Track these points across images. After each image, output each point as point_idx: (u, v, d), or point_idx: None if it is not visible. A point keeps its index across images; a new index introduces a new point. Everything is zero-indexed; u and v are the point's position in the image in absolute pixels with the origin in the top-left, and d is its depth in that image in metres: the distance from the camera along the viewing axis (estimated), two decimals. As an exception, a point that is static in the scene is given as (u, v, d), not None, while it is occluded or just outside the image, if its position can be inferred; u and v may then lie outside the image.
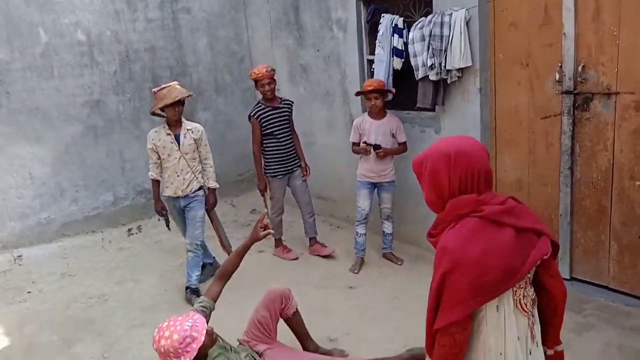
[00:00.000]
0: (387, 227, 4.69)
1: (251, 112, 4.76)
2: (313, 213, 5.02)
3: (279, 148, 4.78)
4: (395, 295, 4.12)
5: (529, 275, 1.74)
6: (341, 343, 3.54)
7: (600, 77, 3.54)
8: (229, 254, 4.22)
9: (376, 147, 4.37)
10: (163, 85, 4.13)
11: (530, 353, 1.77)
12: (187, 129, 4.21)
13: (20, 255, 5.29)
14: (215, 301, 2.83)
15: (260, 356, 2.97)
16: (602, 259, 3.80)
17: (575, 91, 3.66)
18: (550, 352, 1.92)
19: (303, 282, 4.42)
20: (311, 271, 4.70)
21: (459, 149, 1.72)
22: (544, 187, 3.98)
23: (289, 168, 4.86)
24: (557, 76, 3.73)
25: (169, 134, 4.16)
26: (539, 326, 1.83)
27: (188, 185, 4.26)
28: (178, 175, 4.22)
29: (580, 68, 3.60)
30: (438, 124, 4.46)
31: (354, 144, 4.59)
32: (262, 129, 4.72)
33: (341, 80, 5.32)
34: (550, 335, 1.90)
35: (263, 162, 4.85)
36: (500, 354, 1.71)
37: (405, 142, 4.53)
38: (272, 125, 4.72)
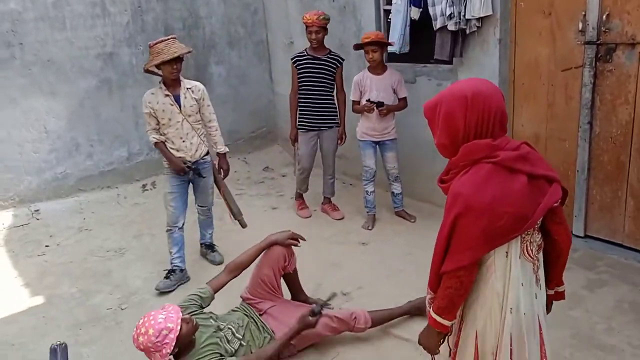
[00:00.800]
0: (396, 188, 4.65)
1: (292, 57, 4.72)
2: (334, 176, 4.97)
3: (310, 102, 4.67)
4: (408, 251, 4.12)
5: (537, 222, 1.74)
6: (354, 297, 3.57)
7: (625, 27, 3.39)
8: (241, 224, 4.18)
9: (379, 104, 4.29)
10: (160, 39, 3.70)
11: (535, 297, 1.80)
12: (187, 88, 3.82)
13: (38, 210, 5.37)
14: (216, 292, 2.90)
15: (264, 313, 3.02)
16: (617, 216, 3.74)
17: (599, 41, 3.52)
18: (551, 292, 1.96)
19: (316, 237, 4.43)
20: (324, 227, 4.71)
21: (476, 90, 1.69)
22: (562, 142, 3.89)
23: (317, 126, 4.73)
24: (580, 25, 3.58)
25: (167, 95, 3.74)
26: (543, 270, 1.86)
27: (197, 150, 3.90)
28: (184, 141, 3.83)
29: (604, 17, 3.45)
30: (455, 77, 4.35)
31: (354, 102, 4.49)
32: (299, 77, 4.65)
33: (356, 32, 5.18)
34: (553, 277, 1.93)
35: (298, 113, 4.78)
36: (504, 299, 1.75)
37: (405, 98, 4.44)
38: (307, 76, 4.62)
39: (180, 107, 3.78)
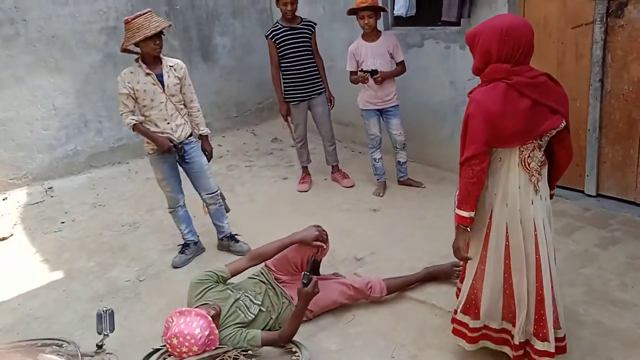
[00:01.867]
0: (402, 157, 4.60)
1: (267, 32, 4.62)
2: (334, 142, 4.95)
3: (295, 72, 4.62)
4: (419, 215, 4.14)
5: (539, 142, 2.14)
6: (367, 262, 3.61)
7: (637, -20, 3.33)
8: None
9: (373, 72, 4.22)
10: (137, 14, 3.37)
11: (532, 203, 2.18)
12: (170, 66, 3.55)
13: (51, 187, 5.43)
14: (234, 276, 2.98)
15: (282, 282, 3.06)
16: (629, 174, 3.73)
17: (610, -4, 3.46)
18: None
19: (327, 206, 4.47)
20: (335, 195, 4.73)
21: (510, 25, 2.03)
22: (573, 102, 3.78)
23: (307, 94, 4.69)
24: (591, -19, 3.52)
25: (148, 74, 3.48)
26: (546, 183, 2.24)
27: (182, 131, 3.66)
28: (168, 123, 3.59)
29: (615, -29, 3.39)
30: (463, 39, 4.28)
31: (351, 73, 4.41)
32: (278, 51, 4.58)
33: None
34: (550, 182, 2.32)
35: (282, 86, 4.74)
36: (495, 194, 2.19)
37: (403, 62, 4.35)
38: (288, 47, 4.55)
39: (163, 86, 3.53)
